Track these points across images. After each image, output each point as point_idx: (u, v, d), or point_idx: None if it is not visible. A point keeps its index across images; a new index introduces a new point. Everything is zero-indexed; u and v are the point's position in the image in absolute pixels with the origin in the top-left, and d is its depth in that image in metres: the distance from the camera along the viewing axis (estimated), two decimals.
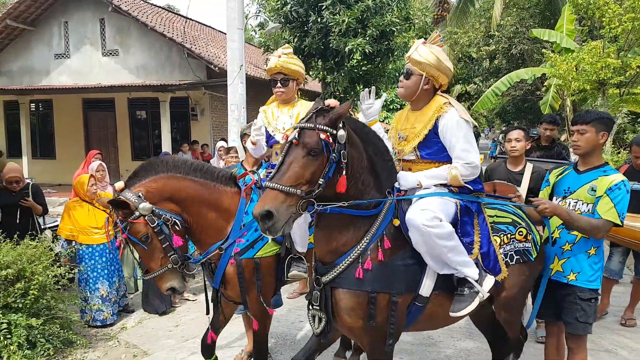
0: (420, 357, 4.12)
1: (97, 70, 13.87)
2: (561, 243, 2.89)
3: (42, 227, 5.67)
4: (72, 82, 13.99)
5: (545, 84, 12.95)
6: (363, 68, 11.95)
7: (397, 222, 2.47)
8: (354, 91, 12.70)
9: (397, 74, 13.46)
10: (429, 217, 2.36)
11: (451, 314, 2.51)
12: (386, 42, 11.54)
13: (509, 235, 2.80)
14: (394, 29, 11.23)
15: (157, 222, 2.75)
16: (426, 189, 2.57)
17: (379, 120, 3.01)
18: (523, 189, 3.89)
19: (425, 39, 2.75)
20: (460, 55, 19.90)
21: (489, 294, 2.55)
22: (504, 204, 2.96)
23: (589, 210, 2.78)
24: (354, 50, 10.84)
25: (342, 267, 2.38)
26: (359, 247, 2.38)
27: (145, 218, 2.72)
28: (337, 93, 12.36)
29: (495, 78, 17.06)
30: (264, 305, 3.12)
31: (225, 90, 8.16)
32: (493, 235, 2.72)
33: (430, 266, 2.47)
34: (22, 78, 14.71)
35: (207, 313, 3.24)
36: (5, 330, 3.99)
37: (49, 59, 14.50)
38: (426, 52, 2.61)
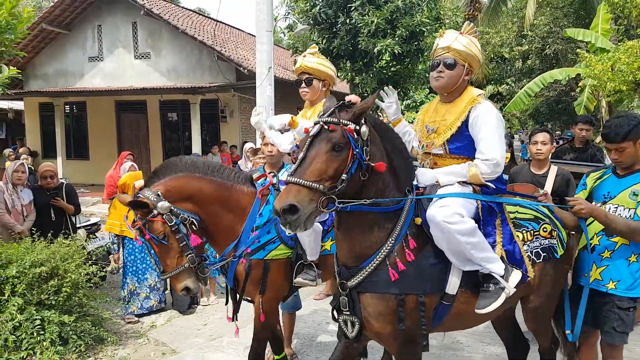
0: None
1: (129, 73, 14.16)
2: (600, 250, 2.77)
3: (77, 225, 5.84)
4: (106, 85, 14.33)
5: (579, 84, 12.59)
6: (392, 69, 11.85)
7: (419, 221, 2.40)
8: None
9: (427, 75, 13.30)
10: (449, 214, 2.30)
11: (477, 311, 2.43)
12: (416, 43, 11.43)
13: (532, 232, 2.68)
14: (423, 29, 11.10)
15: (175, 221, 2.75)
16: (446, 187, 2.49)
17: (409, 122, 2.97)
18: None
19: (456, 29, 2.71)
20: (492, 56, 19.53)
21: (515, 290, 2.45)
22: (531, 204, 2.83)
23: (630, 215, 2.66)
24: (383, 51, 10.77)
25: (369, 270, 2.32)
26: (384, 248, 2.31)
27: (164, 217, 2.73)
28: (366, 94, 12.28)
29: (528, 79, 16.68)
30: (265, 306, 3.11)
31: (253, 92, 8.19)
32: (516, 231, 2.62)
33: (453, 263, 2.40)
34: (57, 80, 15.14)
35: (233, 318, 3.25)
36: (38, 327, 4.09)
37: (83, 61, 14.89)
38: (468, 42, 2.56)
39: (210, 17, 17.24)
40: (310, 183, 2.03)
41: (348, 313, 2.41)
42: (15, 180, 5.33)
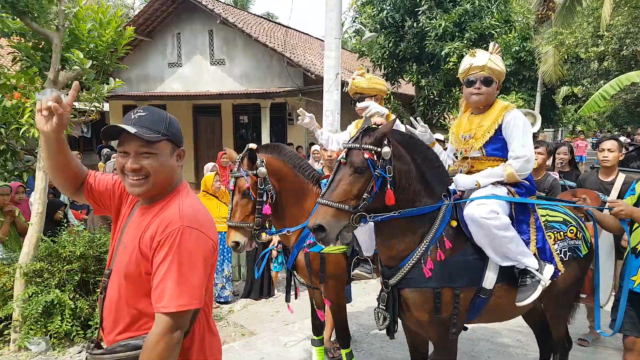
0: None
1: (205, 79, 15.04)
2: None
3: None
4: (183, 89, 15.30)
5: None
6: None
7: (454, 224, 2.65)
8: (449, 94, 12.61)
9: None
10: (487, 211, 2.55)
11: (517, 304, 2.66)
12: (485, 45, 11.38)
13: (562, 233, 2.94)
14: (493, 32, 11.05)
15: (263, 187, 3.24)
16: (484, 188, 2.74)
17: None
18: (612, 199, 3.85)
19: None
20: (567, 56, 18.82)
21: (550, 281, 2.68)
22: (564, 204, 3.10)
23: None
24: (451, 53, 10.83)
25: (406, 269, 2.59)
26: (419, 250, 2.57)
27: (258, 178, 3.22)
28: (432, 96, 12.34)
29: (605, 80, 15.95)
30: (328, 293, 3.55)
31: (320, 96, 8.57)
32: (547, 232, 2.86)
33: (491, 259, 2.63)
34: (139, 85, 16.31)
35: (287, 300, 3.78)
36: None
37: (163, 67, 15.95)
38: (499, 61, 2.88)
39: (279, 24, 17.89)
40: (337, 204, 2.35)
41: (384, 307, 2.70)
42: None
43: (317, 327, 3.97)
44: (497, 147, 2.85)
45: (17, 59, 5.09)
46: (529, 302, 2.65)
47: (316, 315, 3.92)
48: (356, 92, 3.87)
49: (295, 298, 3.84)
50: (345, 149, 2.48)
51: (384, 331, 2.73)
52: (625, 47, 15.60)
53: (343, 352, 3.78)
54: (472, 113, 3.03)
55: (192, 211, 1.67)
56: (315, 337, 3.98)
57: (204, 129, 15.93)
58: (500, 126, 2.81)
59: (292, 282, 3.77)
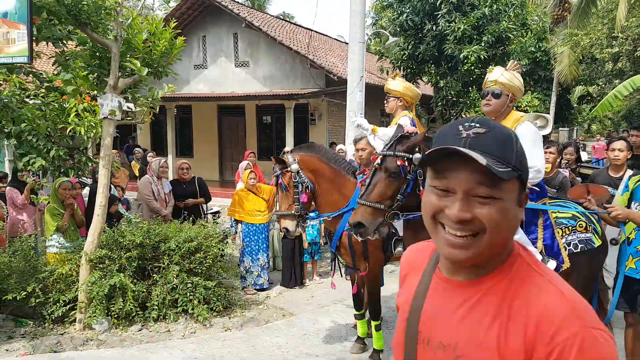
0: None
1: (230, 80, 15.59)
2: (636, 243, 3.24)
3: (205, 212, 7.03)
4: (209, 90, 15.87)
5: None
6: (476, 71, 12.23)
7: None
8: (467, 95, 12.98)
9: None
10: None
11: None
12: (502, 48, 11.75)
13: (570, 228, 3.25)
14: (510, 34, 11.41)
15: (297, 180, 3.87)
16: None
17: None
18: (619, 194, 4.28)
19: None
20: (582, 57, 19.06)
21: None
22: (573, 209, 3.37)
23: None
24: (469, 56, 11.21)
25: None
26: None
27: (292, 174, 3.87)
28: (450, 97, 12.71)
29: (619, 80, 16.19)
30: (370, 272, 4.09)
31: (341, 97, 9.02)
32: (556, 228, 3.19)
33: None
34: (165, 86, 16.90)
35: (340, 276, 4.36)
36: (190, 289, 5.19)
37: (189, 69, 16.50)
38: (511, 76, 3.17)
39: (301, 26, 18.36)
40: (374, 204, 2.80)
41: None
42: (161, 174, 6.57)
43: (359, 303, 4.45)
44: None
45: (57, 64, 5.55)
46: None
47: (358, 293, 4.41)
48: (386, 91, 4.49)
49: (341, 276, 4.37)
50: (381, 156, 2.93)
51: None
52: (639, 48, 15.82)
53: (373, 323, 4.27)
54: None
55: (580, 300, 1.00)
56: (357, 312, 4.46)
57: (227, 128, 16.51)
58: None
59: (337, 264, 4.34)
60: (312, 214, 4.46)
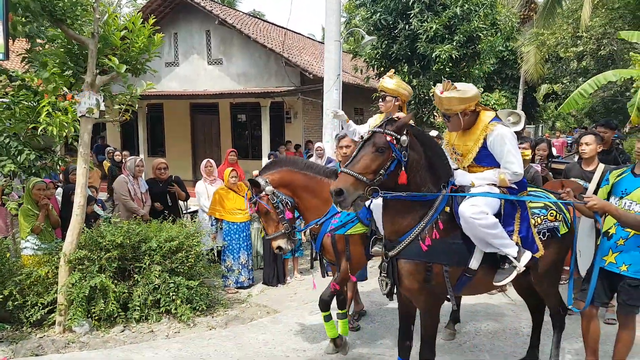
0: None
1: (203, 78, 15.40)
2: (616, 238, 3.32)
3: (183, 212, 6.97)
4: (181, 88, 15.64)
5: (634, 85, 12.67)
6: (447, 70, 12.42)
7: (447, 209, 3.14)
8: None
9: (481, 76, 13.79)
10: (477, 211, 3.03)
11: (495, 283, 3.25)
12: (472, 47, 11.97)
13: (541, 217, 3.42)
14: (480, 34, 11.65)
15: (275, 200, 3.88)
16: (478, 187, 3.23)
17: None
18: (592, 186, 4.48)
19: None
20: (547, 56, 19.66)
21: (525, 267, 3.20)
22: (549, 199, 3.51)
23: None
24: (441, 55, 11.38)
25: (405, 243, 3.08)
26: (417, 228, 3.06)
27: (268, 196, 3.88)
28: (422, 95, 12.88)
29: (584, 78, 16.80)
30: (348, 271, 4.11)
31: (317, 95, 9.06)
32: (531, 218, 3.33)
33: (477, 246, 3.15)
34: (135, 84, 16.58)
35: (323, 276, 4.41)
36: (173, 289, 5.14)
37: (160, 66, 16.22)
38: (449, 98, 3.19)
39: (277, 25, 18.29)
40: (356, 174, 2.81)
41: (385, 275, 3.24)
42: (137, 173, 6.48)
43: (341, 302, 4.51)
44: (484, 159, 3.29)
45: (27, 60, 5.40)
46: (504, 283, 3.23)
47: (340, 291, 4.45)
48: (381, 90, 4.51)
49: (323, 277, 4.38)
50: (371, 132, 2.98)
51: (392, 303, 3.19)
52: (602, 47, 16.45)
53: (339, 312, 4.35)
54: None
55: None
56: (339, 311, 4.51)
57: (201, 126, 16.31)
58: (483, 146, 3.23)
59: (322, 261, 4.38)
60: (299, 226, 4.48)
